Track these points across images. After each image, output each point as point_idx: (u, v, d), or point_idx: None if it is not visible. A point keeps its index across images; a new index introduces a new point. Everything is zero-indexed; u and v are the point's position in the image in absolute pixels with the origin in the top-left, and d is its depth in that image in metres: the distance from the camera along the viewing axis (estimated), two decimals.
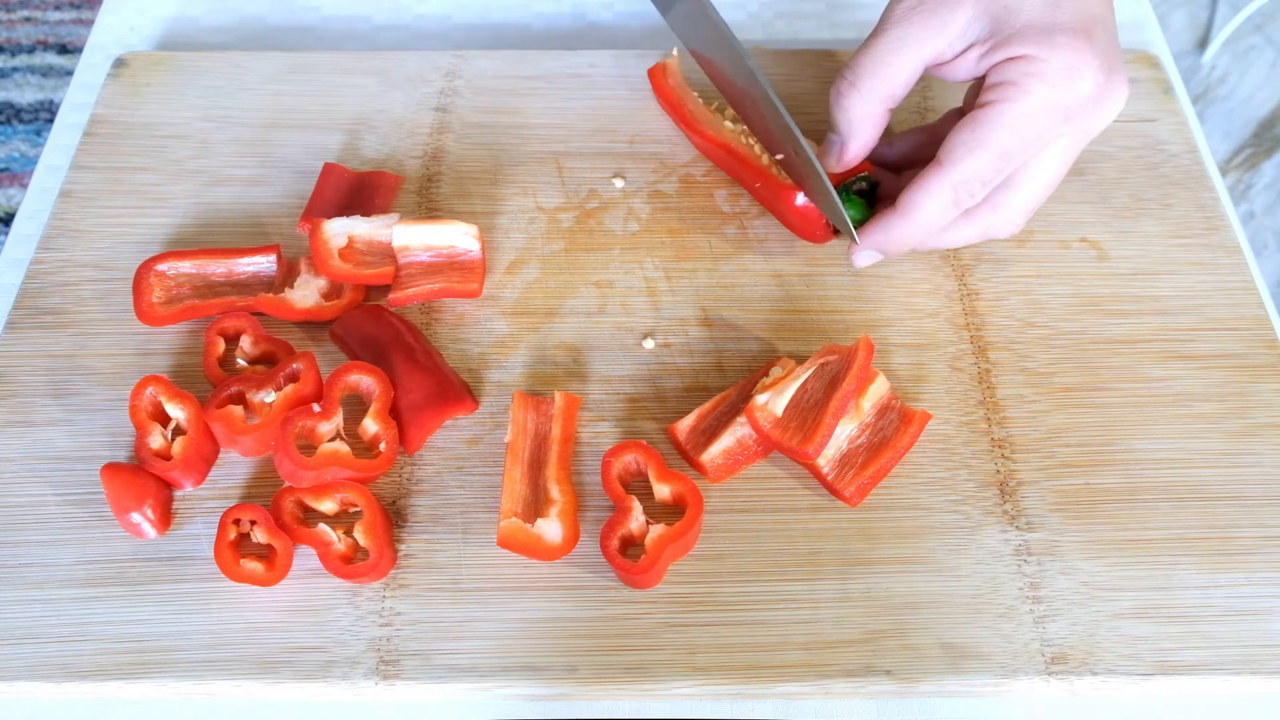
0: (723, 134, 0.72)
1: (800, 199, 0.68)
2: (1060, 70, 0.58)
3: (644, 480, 0.60)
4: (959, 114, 0.67)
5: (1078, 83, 0.59)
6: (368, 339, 0.65)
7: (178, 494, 0.61)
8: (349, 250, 0.68)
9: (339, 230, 0.67)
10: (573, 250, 0.71)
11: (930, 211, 0.62)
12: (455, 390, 0.63)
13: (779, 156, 0.68)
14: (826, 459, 0.61)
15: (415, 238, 0.68)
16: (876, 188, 0.69)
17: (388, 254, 0.68)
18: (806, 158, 0.64)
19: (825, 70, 0.80)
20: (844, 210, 0.65)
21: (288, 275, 0.68)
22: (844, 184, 0.67)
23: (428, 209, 0.73)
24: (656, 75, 0.77)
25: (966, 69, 0.62)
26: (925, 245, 0.67)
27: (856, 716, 0.57)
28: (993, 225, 0.65)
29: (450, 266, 0.68)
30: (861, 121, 0.64)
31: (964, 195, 0.62)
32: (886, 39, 0.62)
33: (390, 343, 0.65)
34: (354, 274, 0.67)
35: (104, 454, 0.62)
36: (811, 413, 0.60)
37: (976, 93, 0.63)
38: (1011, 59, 0.59)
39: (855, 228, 0.66)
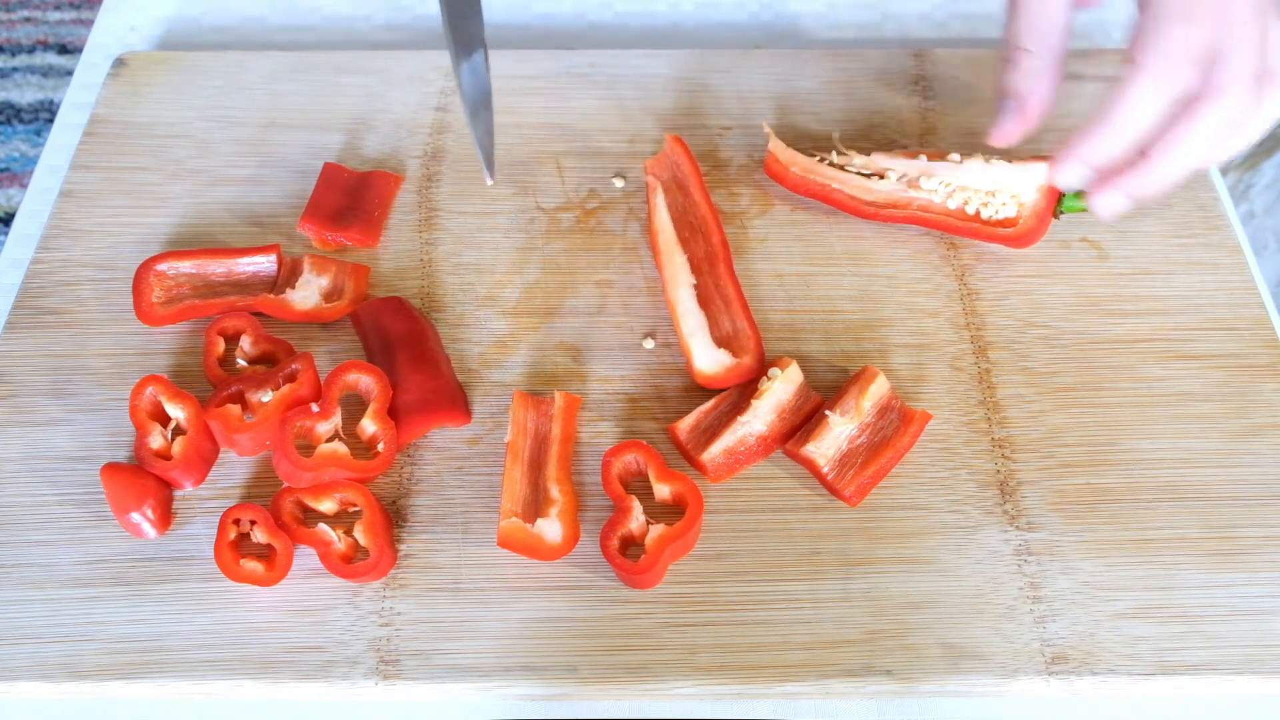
0: (886, 196, 0.71)
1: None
2: None
3: (644, 480, 0.60)
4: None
5: None
6: (382, 330, 0.65)
7: (178, 494, 0.61)
8: None
9: None
10: (573, 250, 0.71)
11: (1134, 106, 0.58)
12: (449, 400, 0.63)
13: None
14: (826, 459, 0.61)
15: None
16: None
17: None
18: None
19: (826, 70, 0.80)
20: None
21: (290, 275, 0.68)
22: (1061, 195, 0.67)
23: (428, 209, 0.73)
24: (773, 167, 0.73)
25: None
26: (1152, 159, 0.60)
27: (856, 716, 0.57)
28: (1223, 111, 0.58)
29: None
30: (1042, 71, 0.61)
31: (1166, 80, 0.57)
32: None
33: (401, 339, 0.65)
34: None
35: (104, 454, 0.62)
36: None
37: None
38: None
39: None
